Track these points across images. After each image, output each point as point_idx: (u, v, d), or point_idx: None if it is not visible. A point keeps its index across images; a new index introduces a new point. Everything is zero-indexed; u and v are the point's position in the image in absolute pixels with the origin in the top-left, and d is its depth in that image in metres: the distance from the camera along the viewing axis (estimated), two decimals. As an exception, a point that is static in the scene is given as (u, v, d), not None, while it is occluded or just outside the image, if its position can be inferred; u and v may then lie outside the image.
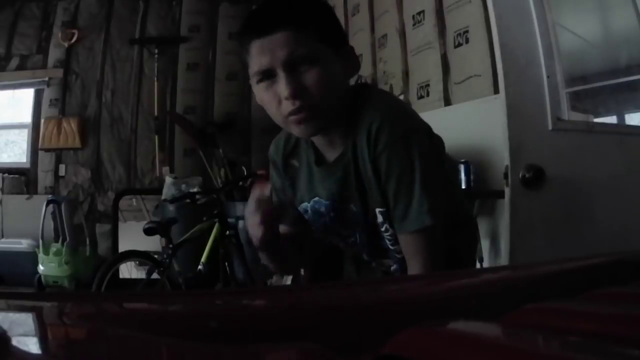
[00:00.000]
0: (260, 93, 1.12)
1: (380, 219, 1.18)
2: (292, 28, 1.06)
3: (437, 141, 1.20)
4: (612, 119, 3.19)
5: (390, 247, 1.22)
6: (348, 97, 1.16)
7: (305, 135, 1.17)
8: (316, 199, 1.25)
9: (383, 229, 1.20)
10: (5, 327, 0.42)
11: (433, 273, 1.17)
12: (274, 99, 1.10)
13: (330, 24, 1.15)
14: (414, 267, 1.16)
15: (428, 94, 3.49)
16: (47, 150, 5.38)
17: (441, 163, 1.19)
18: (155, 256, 3.61)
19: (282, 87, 1.08)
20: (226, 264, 3.54)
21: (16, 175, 5.31)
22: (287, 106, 1.09)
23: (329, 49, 1.10)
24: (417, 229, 1.12)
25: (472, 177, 2.86)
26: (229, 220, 3.70)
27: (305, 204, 1.28)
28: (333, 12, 1.19)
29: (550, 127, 2.09)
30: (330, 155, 1.22)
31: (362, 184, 1.17)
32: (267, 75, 1.09)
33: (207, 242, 3.52)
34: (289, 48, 1.06)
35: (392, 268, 1.31)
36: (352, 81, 1.23)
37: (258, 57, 1.08)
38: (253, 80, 1.13)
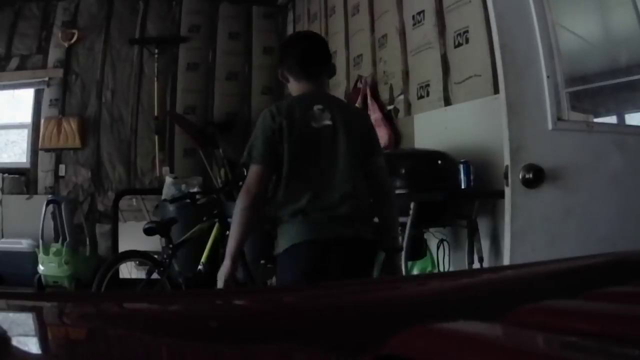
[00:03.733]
0: None
1: None
2: None
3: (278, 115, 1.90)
4: (612, 119, 3.18)
5: None
6: None
7: None
8: None
9: None
10: (5, 327, 0.42)
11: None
12: None
13: None
14: None
15: (428, 94, 3.49)
16: (47, 150, 5.38)
17: (264, 129, 1.88)
18: (155, 256, 3.61)
19: None
20: (226, 264, 3.53)
21: (16, 175, 5.31)
22: None
23: None
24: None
25: (472, 177, 2.86)
26: (229, 220, 3.69)
27: None
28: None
29: (550, 127, 2.09)
30: None
31: None
32: None
33: (207, 242, 3.51)
34: None
35: None
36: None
37: None
38: None
